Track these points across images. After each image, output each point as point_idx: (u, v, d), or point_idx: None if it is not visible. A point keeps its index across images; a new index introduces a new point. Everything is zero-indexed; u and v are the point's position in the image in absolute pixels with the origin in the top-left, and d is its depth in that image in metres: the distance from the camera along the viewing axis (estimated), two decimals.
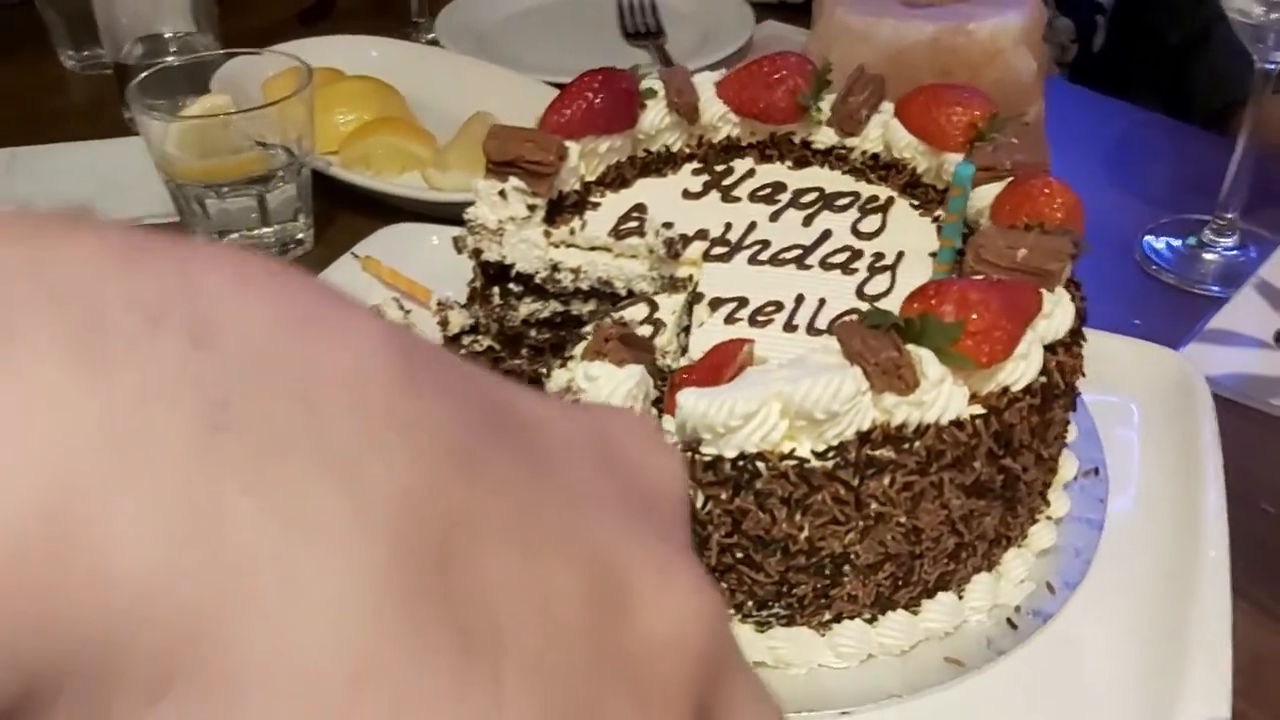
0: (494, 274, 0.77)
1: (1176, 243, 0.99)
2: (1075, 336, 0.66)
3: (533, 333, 0.78)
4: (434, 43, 1.31)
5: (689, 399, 0.58)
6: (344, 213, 1.07)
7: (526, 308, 0.77)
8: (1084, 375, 0.68)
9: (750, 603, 0.63)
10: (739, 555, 0.61)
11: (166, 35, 1.20)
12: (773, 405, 0.58)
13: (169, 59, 1.17)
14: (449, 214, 0.90)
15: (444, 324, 0.81)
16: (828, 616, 0.64)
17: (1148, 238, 0.99)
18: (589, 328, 0.68)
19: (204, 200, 0.97)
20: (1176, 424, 0.78)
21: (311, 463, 0.18)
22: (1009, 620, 0.67)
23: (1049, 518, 0.71)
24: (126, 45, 1.17)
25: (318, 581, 0.17)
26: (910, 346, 0.59)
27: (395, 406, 0.19)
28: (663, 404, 0.63)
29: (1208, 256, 0.97)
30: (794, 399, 0.57)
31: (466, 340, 0.81)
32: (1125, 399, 0.80)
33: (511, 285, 0.77)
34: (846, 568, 0.62)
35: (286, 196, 1.00)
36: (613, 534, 0.22)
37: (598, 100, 0.76)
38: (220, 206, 0.98)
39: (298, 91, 0.95)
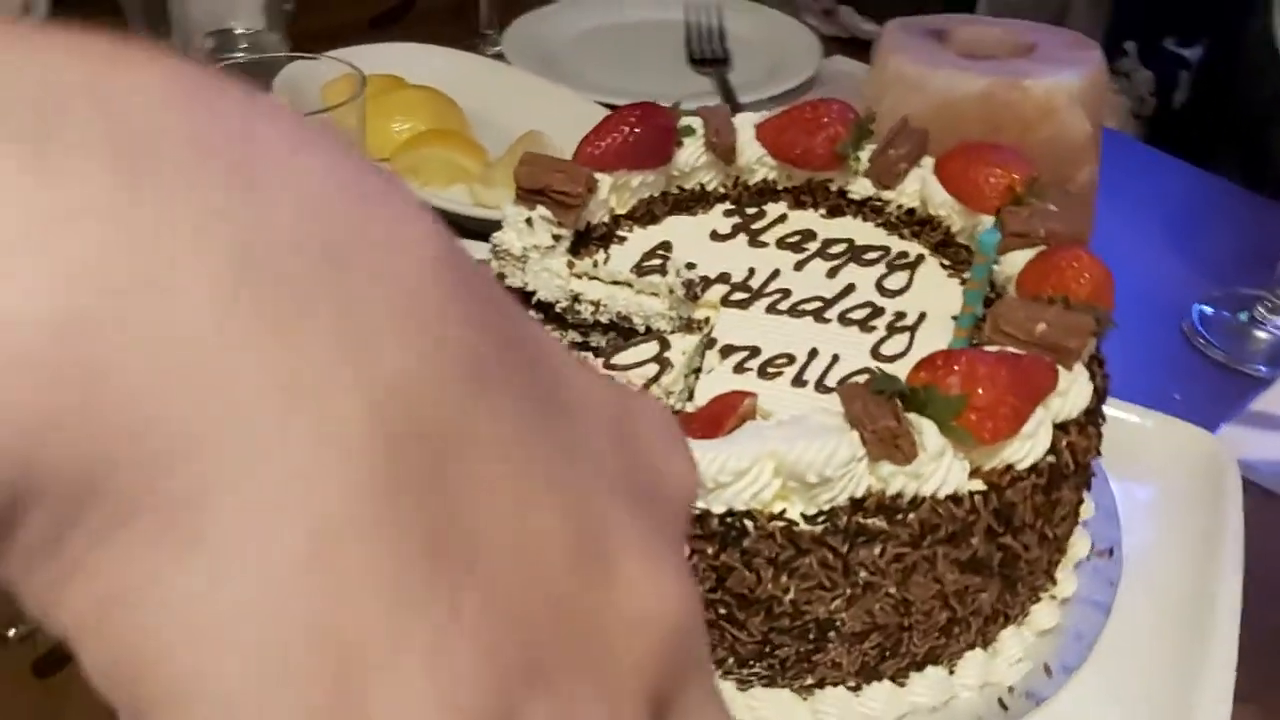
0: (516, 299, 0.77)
1: (1228, 316, 0.96)
2: (1091, 416, 0.64)
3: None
4: (500, 56, 1.32)
5: None
6: None
7: None
8: (1099, 455, 0.66)
9: (732, 660, 0.62)
10: (722, 611, 0.60)
11: (237, 31, 1.22)
12: (766, 464, 0.57)
13: (236, 55, 1.20)
14: (490, 230, 0.90)
15: None
16: (810, 681, 0.63)
17: (1198, 308, 0.97)
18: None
19: None
20: (1202, 509, 0.75)
21: (327, 327, 0.18)
22: (1000, 700, 0.65)
23: (1053, 597, 0.69)
24: (196, 38, 1.19)
25: (301, 444, 0.17)
26: (913, 416, 0.58)
27: (426, 292, 0.19)
28: None
29: (1259, 334, 0.94)
30: (787, 459, 0.56)
31: None
32: (1151, 478, 0.78)
33: (532, 312, 0.76)
34: (831, 634, 0.61)
35: None
36: (609, 505, 0.21)
37: (633, 135, 0.76)
38: None
39: (349, 100, 0.96)
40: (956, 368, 0.58)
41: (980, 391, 0.57)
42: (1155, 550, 0.74)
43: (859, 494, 0.57)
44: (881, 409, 0.57)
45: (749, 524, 0.58)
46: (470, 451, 0.19)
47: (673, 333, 0.72)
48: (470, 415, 0.19)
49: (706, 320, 0.71)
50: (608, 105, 1.14)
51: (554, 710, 0.19)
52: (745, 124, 0.80)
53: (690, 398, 0.67)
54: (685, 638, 0.22)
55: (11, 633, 0.66)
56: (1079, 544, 0.71)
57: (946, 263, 0.75)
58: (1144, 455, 0.78)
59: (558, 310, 0.75)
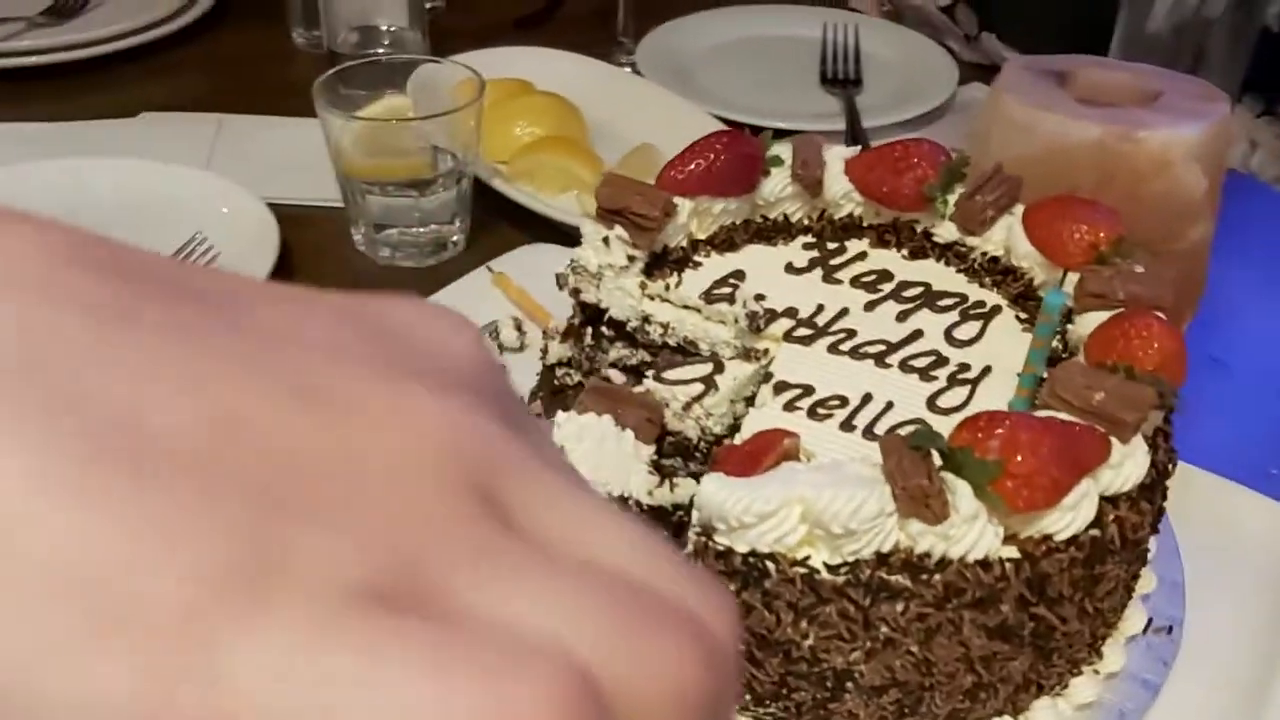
0: (590, 315, 0.78)
1: None
2: (1147, 492, 0.61)
3: (615, 377, 0.79)
4: (633, 64, 1.33)
5: (710, 486, 0.58)
6: (502, 223, 1.10)
7: (615, 352, 0.78)
8: (1155, 532, 0.64)
9: (748, 697, 0.62)
10: (740, 648, 0.60)
11: (381, 28, 1.27)
12: (793, 508, 0.57)
13: (377, 51, 1.25)
14: None
15: (544, 351, 0.83)
16: None
17: None
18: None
19: (367, 195, 1.02)
20: (1277, 595, 0.72)
21: None
22: None
23: (1096, 671, 0.67)
24: (342, 33, 1.24)
25: None
26: (949, 476, 0.57)
27: (23, 268, 0.20)
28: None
29: None
30: (814, 506, 0.56)
31: (560, 372, 0.82)
32: (1229, 556, 0.75)
33: (604, 329, 0.78)
34: (849, 684, 0.60)
35: (445, 201, 1.04)
36: (325, 366, 0.21)
37: (718, 162, 0.76)
38: (382, 203, 1.03)
39: (466, 106, 0.99)
40: (998, 432, 0.57)
41: (1019, 459, 0.56)
42: (1220, 632, 0.70)
43: (885, 549, 0.57)
44: (916, 466, 0.56)
45: (771, 566, 0.58)
46: (111, 373, 0.19)
47: (731, 358, 0.72)
48: (99, 346, 0.19)
49: (765, 352, 0.71)
50: (729, 121, 1.15)
51: (328, 537, 0.19)
52: (835, 158, 0.79)
53: (737, 429, 0.67)
54: (480, 440, 0.21)
55: None
56: (1133, 618, 0.68)
57: (1024, 316, 0.73)
58: (1224, 531, 0.75)
59: (628, 329, 0.76)
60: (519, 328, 0.94)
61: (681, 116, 1.19)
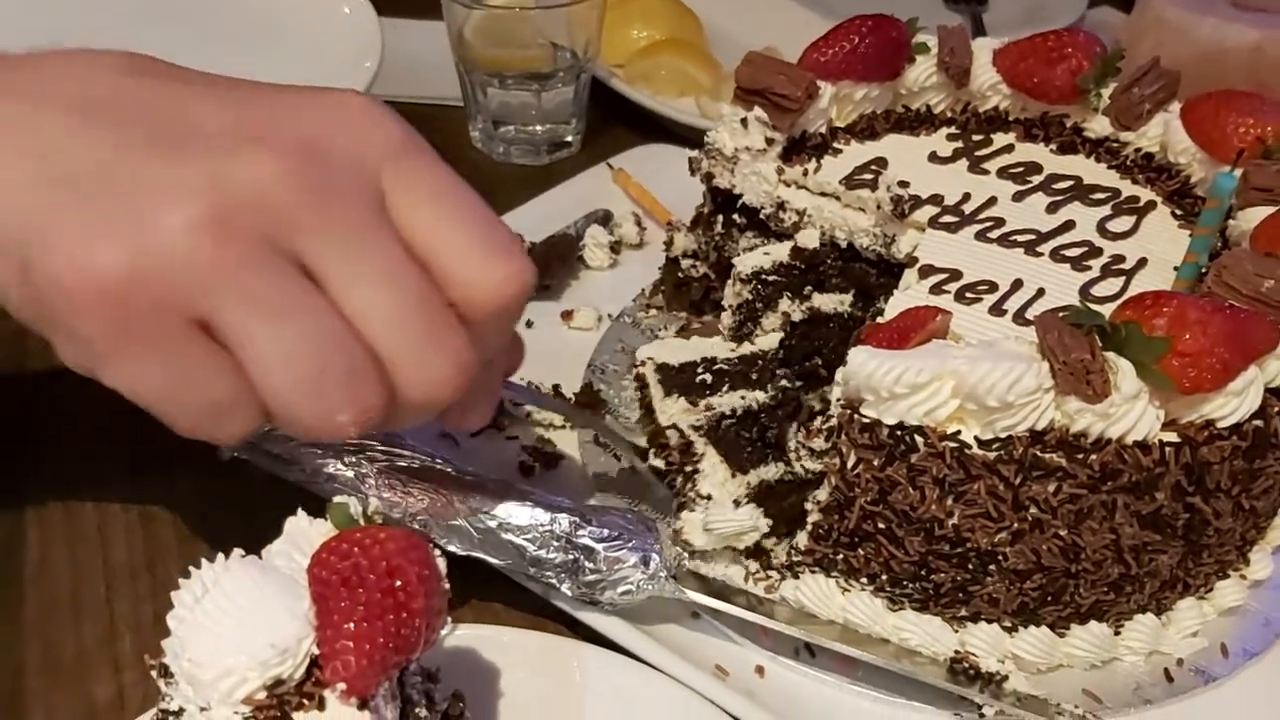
0: (722, 202, 0.76)
1: None
2: None
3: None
4: None
5: (859, 357, 0.56)
6: (617, 125, 1.09)
7: (746, 241, 0.77)
8: None
9: (885, 577, 0.61)
10: (881, 525, 0.59)
11: None
12: (945, 382, 0.55)
13: None
14: None
15: (669, 244, 0.82)
16: (964, 613, 0.61)
17: None
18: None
19: (486, 88, 1.01)
20: None
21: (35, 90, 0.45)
22: (1166, 671, 0.62)
23: (1243, 577, 0.65)
24: None
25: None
26: (1111, 355, 0.55)
27: (95, 84, 0.46)
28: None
29: None
30: (968, 380, 0.54)
31: (685, 264, 0.81)
32: None
33: (736, 216, 0.76)
34: (992, 567, 0.59)
35: (563, 99, 1.03)
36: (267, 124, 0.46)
37: (862, 46, 0.74)
38: (500, 97, 1.02)
39: (585, 0, 0.97)
40: (1166, 309, 0.55)
41: (1188, 337, 0.54)
42: None
43: (1040, 426, 0.55)
44: (1077, 341, 0.54)
45: (919, 440, 0.56)
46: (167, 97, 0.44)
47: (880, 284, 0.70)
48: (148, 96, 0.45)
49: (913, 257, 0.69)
50: None
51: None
52: (984, 48, 0.77)
53: (880, 314, 0.65)
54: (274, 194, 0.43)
55: (224, 455, 0.71)
56: None
57: (1179, 212, 0.70)
58: None
59: (762, 216, 0.74)
60: (639, 223, 0.92)
61: (799, 24, 1.17)
